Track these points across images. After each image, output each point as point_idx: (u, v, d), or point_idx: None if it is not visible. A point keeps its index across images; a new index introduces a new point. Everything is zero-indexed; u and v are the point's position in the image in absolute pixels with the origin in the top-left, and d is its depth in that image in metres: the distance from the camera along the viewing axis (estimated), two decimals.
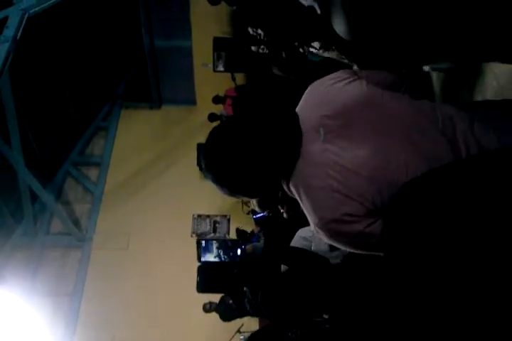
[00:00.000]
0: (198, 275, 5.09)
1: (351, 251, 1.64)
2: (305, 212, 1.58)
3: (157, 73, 9.85)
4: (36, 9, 5.58)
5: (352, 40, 1.67)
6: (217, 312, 6.60)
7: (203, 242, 4.20)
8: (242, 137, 1.55)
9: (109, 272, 8.08)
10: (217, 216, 8.48)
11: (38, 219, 8.62)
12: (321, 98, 1.66)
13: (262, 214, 6.78)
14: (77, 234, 8.58)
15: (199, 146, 9.04)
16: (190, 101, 10.09)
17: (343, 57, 1.93)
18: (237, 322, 6.81)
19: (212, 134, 1.63)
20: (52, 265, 8.38)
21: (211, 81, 9.16)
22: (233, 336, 6.92)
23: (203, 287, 5.04)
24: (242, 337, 6.87)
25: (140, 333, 7.62)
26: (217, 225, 8.73)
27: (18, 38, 5.37)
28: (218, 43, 8.66)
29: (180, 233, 8.55)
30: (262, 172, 1.56)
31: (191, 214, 8.74)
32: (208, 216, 8.50)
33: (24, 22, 5.42)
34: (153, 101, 10.16)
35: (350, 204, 1.47)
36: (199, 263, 4.65)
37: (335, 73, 1.71)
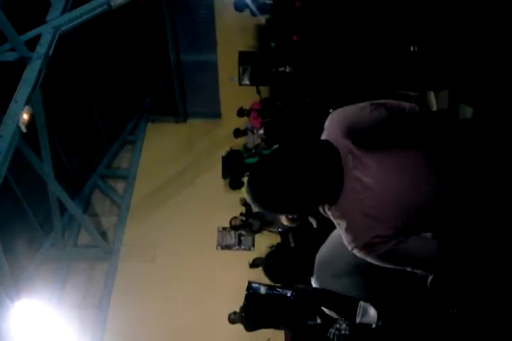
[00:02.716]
0: (244, 301, 5.90)
1: (386, 266, 1.79)
2: (340, 232, 1.75)
3: (183, 87, 9.98)
4: (67, 27, 5.74)
5: None
6: (241, 321, 6.63)
7: (254, 285, 4.72)
8: (291, 171, 1.65)
9: (136, 284, 8.13)
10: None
11: (66, 231, 8.74)
12: (343, 124, 1.82)
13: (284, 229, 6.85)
14: (105, 246, 8.67)
15: (223, 159, 9.11)
16: (216, 114, 10.19)
17: None
18: (263, 338, 6.79)
19: (262, 166, 1.74)
20: (79, 277, 8.47)
21: (236, 94, 9.25)
22: None
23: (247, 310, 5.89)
24: None
25: None
26: (242, 238, 8.75)
27: (50, 54, 5.53)
28: (244, 57, 8.79)
29: (205, 245, 8.60)
30: (309, 200, 1.73)
31: (216, 226, 8.79)
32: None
33: (56, 39, 5.58)
34: (179, 114, 10.28)
35: (379, 226, 1.65)
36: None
37: (356, 105, 1.91)
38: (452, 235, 1.72)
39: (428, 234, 1.74)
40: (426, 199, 1.66)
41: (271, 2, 7.37)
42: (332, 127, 1.85)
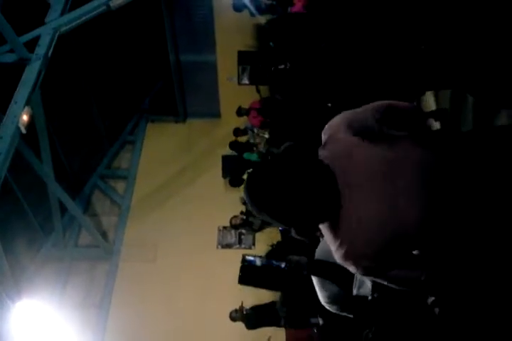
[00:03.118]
0: (240, 271, 6.06)
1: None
2: (329, 244, 1.76)
3: (182, 87, 9.99)
4: (66, 28, 5.76)
5: None
6: (242, 320, 6.67)
7: (248, 258, 4.72)
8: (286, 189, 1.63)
9: (137, 284, 8.14)
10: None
11: (66, 231, 8.76)
12: (340, 149, 1.75)
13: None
14: (105, 246, 8.68)
15: (223, 158, 9.14)
16: (215, 114, 10.20)
17: None
18: (264, 336, 6.82)
19: (260, 175, 1.70)
20: (80, 277, 8.48)
21: (236, 94, 9.26)
22: None
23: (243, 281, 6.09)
24: None
25: None
26: (242, 237, 8.77)
27: (49, 55, 5.55)
28: (243, 57, 8.81)
29: (206, 244, 8.62)
30: (304, 218, 1.70)
31: (216, 225, 8.81)
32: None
33: (55, 40, 5.60)
34: (179, 114, 10.29)
35: (366, 257, 1.66)
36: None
37: (356, 111, 1.86)
38: (440, 255, 1.73)
39: (415, 252, 1.74)
40: (416, 225, 1.64)
41: (269, 3, 7.38)
42: (336, 144, 1.78)
